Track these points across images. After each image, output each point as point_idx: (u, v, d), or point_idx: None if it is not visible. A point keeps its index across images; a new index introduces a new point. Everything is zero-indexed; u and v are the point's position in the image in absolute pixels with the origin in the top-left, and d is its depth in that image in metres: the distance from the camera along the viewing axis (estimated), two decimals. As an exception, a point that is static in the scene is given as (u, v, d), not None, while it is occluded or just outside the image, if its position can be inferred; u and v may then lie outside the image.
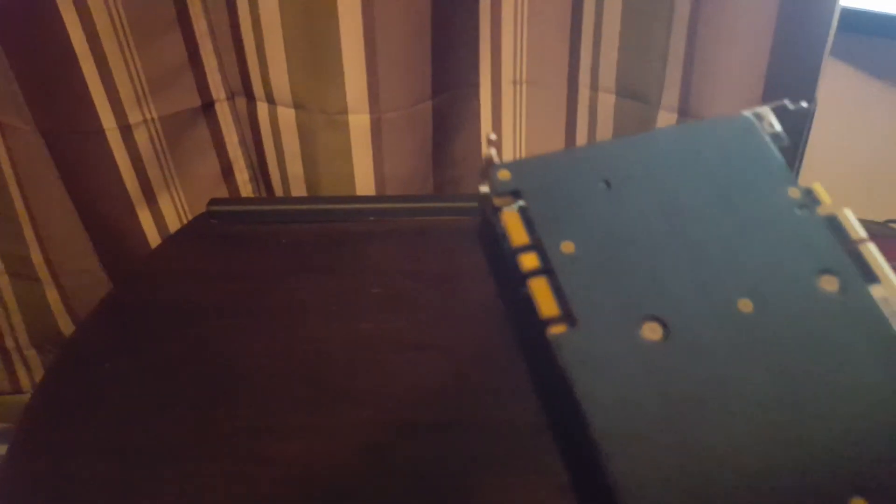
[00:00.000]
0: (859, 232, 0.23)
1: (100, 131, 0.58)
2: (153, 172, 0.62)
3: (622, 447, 0.20)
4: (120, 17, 0.56)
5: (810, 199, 0.25)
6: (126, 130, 0.59)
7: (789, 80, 0.55)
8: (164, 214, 0.65)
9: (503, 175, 0.25)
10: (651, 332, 0.22)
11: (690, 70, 0.55)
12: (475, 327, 0.44)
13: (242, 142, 0.68)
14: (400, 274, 0.51)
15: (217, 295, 0.50)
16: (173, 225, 0.65)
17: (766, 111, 0.27)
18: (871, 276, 0.22)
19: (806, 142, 0.62)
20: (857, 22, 0.68)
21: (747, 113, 0.27)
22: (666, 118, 0.59)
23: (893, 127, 0.73)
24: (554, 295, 0.23)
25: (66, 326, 0.73)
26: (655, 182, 0.25)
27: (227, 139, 0.67)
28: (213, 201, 0.60)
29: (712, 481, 0.20)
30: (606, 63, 0.60)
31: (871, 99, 0.72)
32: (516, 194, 0.25)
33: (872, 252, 0.23)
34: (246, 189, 0.70)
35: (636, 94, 0.61)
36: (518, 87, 0.65)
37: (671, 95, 0.58)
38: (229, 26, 0.60)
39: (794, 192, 0.24)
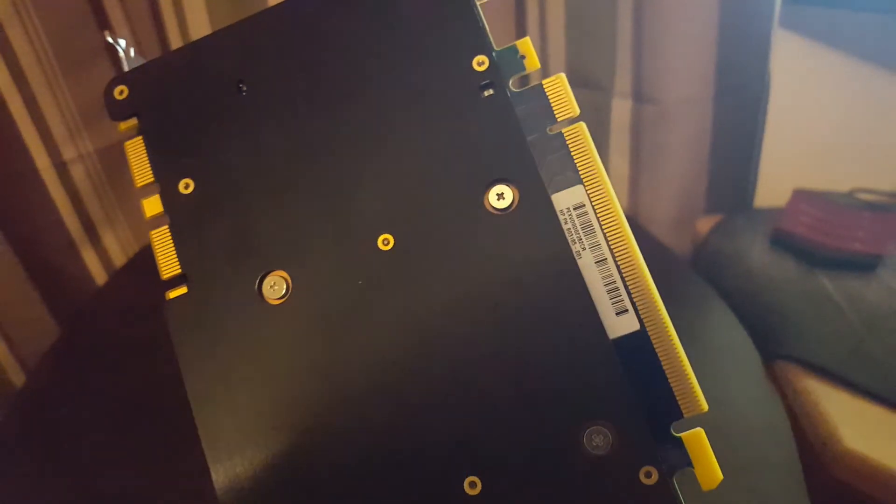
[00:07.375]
0: (574, 108, 0.18)
1: (33, 171, 0.55)
2: (94, 209, 0.59)
3: (223, 449, 0.18)
4: (45, 51, 0.53)
5: (511, 61, 0.17)
6: (61, 168, 0.56)
7: (740, 53, 0.55)
8: (109, 252, 0.62)
9: (120, 92, 0.19)
10: (272, 289, 0.18)
11: (640, 53, 0.54)
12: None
13: (187, 169, 0.65)
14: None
15: (168, 329, 0.47)
16: (120, 262, 0.62)
17: None
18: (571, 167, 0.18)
19: (765, 115, 0.62)
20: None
21: None
22: (620, 105, 0.58)
23: (850, 97, 0.73)
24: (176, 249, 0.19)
25: (20, 380, 0.69)
26: (310, 72, 0.18)
27: (170, 167, 0.64)
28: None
29: (307, 478, 0.17)
30: (555, 50, 0.59)
31: (828, 69, 0.72)
32: (138, 116, 0.19)
33: (585, 132, 0.17)
34: (196, 217, 0.67)
35: (588, 82, 0.60)
36: None
37: (624, 80, 0.57)
38: (160, 46, 0.58)
39: (480, 63, 0.17)
